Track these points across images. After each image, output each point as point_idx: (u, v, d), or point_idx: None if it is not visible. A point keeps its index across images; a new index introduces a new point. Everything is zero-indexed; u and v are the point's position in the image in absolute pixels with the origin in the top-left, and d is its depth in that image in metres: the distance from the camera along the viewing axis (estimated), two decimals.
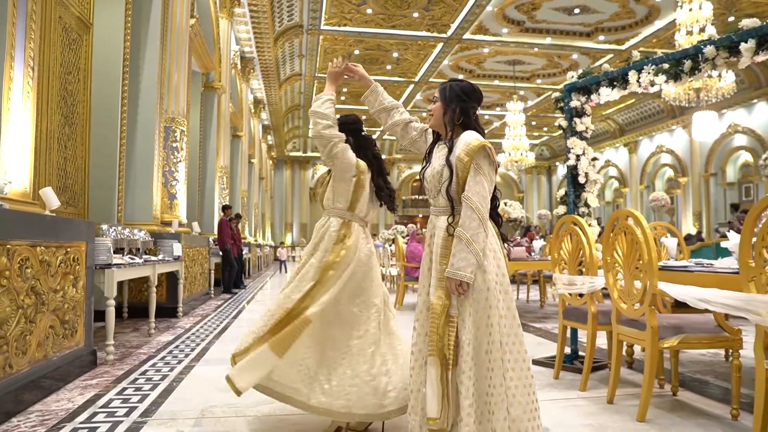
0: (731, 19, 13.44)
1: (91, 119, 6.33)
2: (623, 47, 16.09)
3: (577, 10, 14.13)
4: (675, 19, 10.51)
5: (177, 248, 6.49)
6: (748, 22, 3.10)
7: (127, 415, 2.86)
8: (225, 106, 12.39)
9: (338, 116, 2.65)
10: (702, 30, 9.57)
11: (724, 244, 3.23)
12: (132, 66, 6.86)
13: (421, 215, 30.06)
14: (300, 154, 31.16)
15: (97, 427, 2.67)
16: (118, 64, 6.54)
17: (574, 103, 4.14)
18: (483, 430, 1.97)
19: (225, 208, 10.66)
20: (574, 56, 17.18)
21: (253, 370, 2.38)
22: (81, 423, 2.74)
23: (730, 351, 2.95)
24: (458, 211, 2.10)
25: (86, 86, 6.32)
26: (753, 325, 2.24)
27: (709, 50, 3.22)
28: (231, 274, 10.13)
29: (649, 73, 3.56)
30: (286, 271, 17.78)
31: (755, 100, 17.25)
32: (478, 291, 2.04)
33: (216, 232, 10.65)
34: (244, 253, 11.75)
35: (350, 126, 2.69)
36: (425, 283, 2.20)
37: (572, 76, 4.22)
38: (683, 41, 9.77)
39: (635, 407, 2.89)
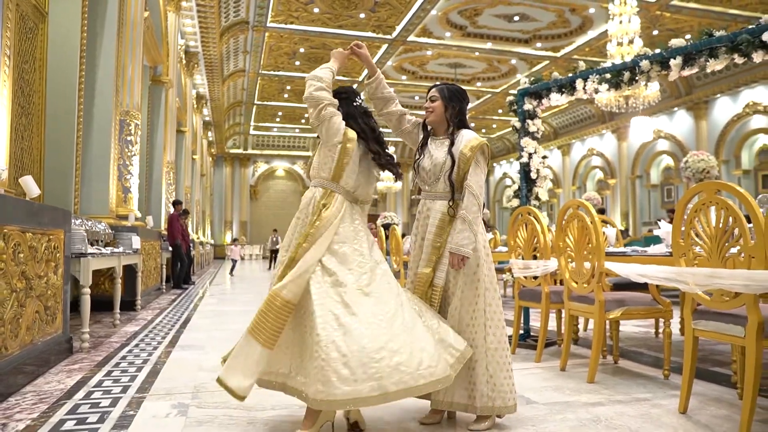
0: (656, 32, 14.57)
1: (46, 110, 6.25)
2: (559, 54, 17.04)
3: (516, 18, 14.87)
4: (607, 30, 11.34)
5: (136, 241, 6.51)
6: (675, 42, 3.61)
7: (123, 392, 3.01)
8: (172, 100, 12.22)
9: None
10: (631, 42, 10.41)
11: (656, 232, 3.74)
12: (88, 57, 6.77)
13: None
14: (240, 151, 30.74)
15: (99, 402, 2.81)
16: (75, 55, 6.45)
17: (527, 106, 4.57)
18: (465, 377, 2.38)
19: (176, 204, 10.58)
20: (513, 61, 18.02)
21: (238, 365, 2.23)
22: (80, 400, 2.87)
23: (662, 322, 3.43)
24: (458, 197, 2.48)
25: (42, 77, 6.24)
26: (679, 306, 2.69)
27: (644, 64, 3.72)
28: (182, 270, 10.08)
29: (593, 81, 4.03)
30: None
31: (676, 108, 18.66)
32: (470, 266, 2.45)
33: (165, 227, 10.54)
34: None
35: (341, 95, 2.58)
36: (416, 257, 2.55)
37: (525, 82, 4.66)
38: (614, 51, 10.59)
39: (585, 373, 3.33)
